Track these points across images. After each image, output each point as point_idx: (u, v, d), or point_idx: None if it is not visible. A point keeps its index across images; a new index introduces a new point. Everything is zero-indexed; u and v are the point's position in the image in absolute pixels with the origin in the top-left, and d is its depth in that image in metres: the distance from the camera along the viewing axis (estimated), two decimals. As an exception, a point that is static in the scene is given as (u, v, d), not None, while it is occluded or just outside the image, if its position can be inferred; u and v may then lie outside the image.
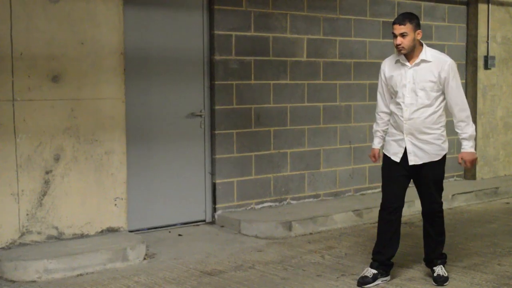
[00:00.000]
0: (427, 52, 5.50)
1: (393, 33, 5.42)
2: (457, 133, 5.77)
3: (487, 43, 10.41)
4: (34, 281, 5.66)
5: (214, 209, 7.74)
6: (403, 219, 8.17)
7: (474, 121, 10.32)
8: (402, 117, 5.49)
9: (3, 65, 6.04)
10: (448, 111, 5.69)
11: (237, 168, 7.83)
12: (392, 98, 5.65)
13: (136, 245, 6.30)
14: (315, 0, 8.53)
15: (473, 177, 10.44)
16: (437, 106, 5.57)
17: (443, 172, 5.81)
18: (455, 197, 9.14)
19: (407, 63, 5.48)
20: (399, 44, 5.37)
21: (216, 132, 7.69)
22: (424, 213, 5.84)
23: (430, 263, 5.81)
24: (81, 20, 6.44)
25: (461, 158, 5.73)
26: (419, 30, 5.46)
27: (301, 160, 8.49)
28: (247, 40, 7.90)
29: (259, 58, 7.97)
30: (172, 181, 7.45)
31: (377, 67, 9.19)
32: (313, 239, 7.16)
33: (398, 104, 5.52)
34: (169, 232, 7.33)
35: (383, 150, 5.76)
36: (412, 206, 8.55)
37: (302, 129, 8.44)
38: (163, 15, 7.33)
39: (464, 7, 10.37)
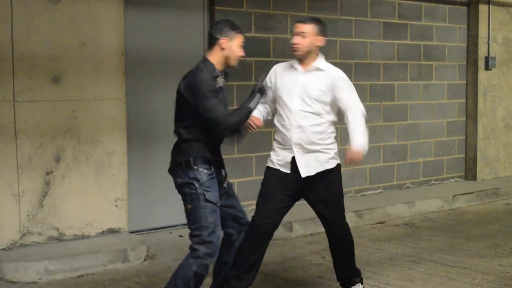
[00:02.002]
0: (321, 62, 4.96)
1: (293, 31, 4.93)
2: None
3: (488, 43, 10.40)
4: (35, 282, 5.66)
5: (215, 210, 7.73)
6: (403, 220, 8.22)
7: (475, 121, 10.35)
8: (290, 125, 4.88)
9: (4, 66, 6.04)
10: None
11: (238, 169, 7.82)
12: (274, 103, 5.08)
13: (136, 246, 6.30)
14: (316, 1, 8.53)
15: (474, 177, 10.44)
16: (326, 117, 4.95)
17: (341, 187, 5.22)
18: (456, 198, 9.13)
19: (300, 68, 4.95)
20: (295, 44, 4.85)
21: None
22: (327, 234, 5.30)
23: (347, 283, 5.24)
24: (82, 21, 6.44)
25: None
26: (321, 37, 4.92)
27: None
28: (247, 41, 7.76)
29: (260, 59, 7.96)
30: (173, 182, 7.42)
31: (378, 68, 9.24)
32: (314, 240, 7.16)
33: (284, 110, 4.93)
34: (170, 233, 7.33)
35: (267, 162, 5.11)
36: (413, 207, 8.57)
37: (303, 130, 8.42)
38: (164, 16, 7.33)
39: (464, 8, 10.37)
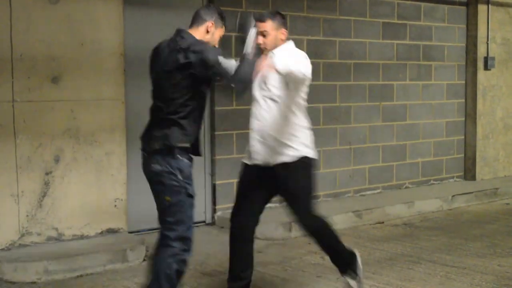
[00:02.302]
0: (281, 47, 4.86)
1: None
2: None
3: (487, 44, 10.41)
4: (34, 282, 5.66)
5: (214, 210, 7.74)
6: (402, 220, 8.22)
7: (474, 121, 10.36)
8: (253, 112, 4.87)
9: (3, 66, 6.04)
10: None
11: (237, 169, 7.78)
12: None
13: (136, 246, 6.30)
14: (315, 1, 8.53)
15: (473, 177, 10.45)
16: (287, 103, 4.78)
17: (306, 182, 4.91)
18: (455, 198, 9.13)
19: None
20: (260, 44, 4.78)
21: (216, 133, 7.69)
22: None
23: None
24: (81, 21, 6.44)
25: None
26: (283, 29, 4.89)
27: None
28: (247, 41, 7.88)
29: (259, 59, 7.95)
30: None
31: (377, 68, 9.24)
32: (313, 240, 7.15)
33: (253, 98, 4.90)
34: (169, 233, 7.32)
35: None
36: (412, 207, 8.57)
37: (302, 130, 8.41)
38: (163, 16, 7.33)
39: (464, 8, 10.37)
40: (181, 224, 4.24)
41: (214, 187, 7.72)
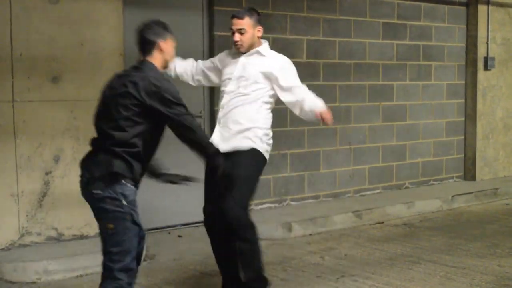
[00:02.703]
0: (265, 48, 5.01)
1: (231, 28, 4.90)
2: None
3: (487, 44, 10.41)
4: (34, 282, 5.66)
5: (214, 210, 7.73)
6: (402, 220, 8.22)
7: (474, 122, 10.36)
8: (220, 105, 4.96)
9: (3, 66, 6.04)
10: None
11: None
12: (210, 75, 5.23)
13: (135, 246, 6.29)
14: (315, 1, 8.53)
15: (473, 178, 10.45)
16: (260, 101, 4.89)
17: (252, 174, 4.83)
18: (455, 198, 9.13)
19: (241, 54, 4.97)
20: (237, 41, 4.85)
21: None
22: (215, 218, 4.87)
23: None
24: (81, 21, 6.44)
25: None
26: (259, 27, 4.93)
27: (300, 161, 8.48)
28: (247, 41, 7.88)
29: (259, 59, 7.95)
30: (170, 183, 7.42)
31: (377, 68, 9.24)
32: (312, 240, 7.16)
33: (221, 92, 5.02)
34: (169, 233, 7.33)
35: None
36: (412, 207, 8.56)
37: (302, 130, 8.43)
38: (163, 16, 7.27)
39: (464, 8, 10.37)
40: (127, 255, 3.89)
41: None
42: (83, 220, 6.52)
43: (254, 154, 4.83)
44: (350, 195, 9.02)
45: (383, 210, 8.27)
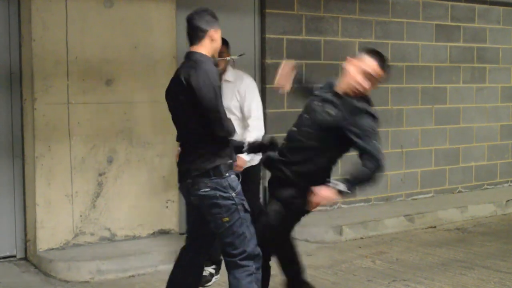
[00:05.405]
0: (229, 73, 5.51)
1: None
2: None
3: (543, 46, 10.21)
4: (87, 282, 5.75)
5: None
6: (455, 225, 8.11)
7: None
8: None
9: (59, 68, 6.15)
10: None
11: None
12: None
13: (187, 248, 6.34)
14: (367, 3, 8.48)
15: (528, 182, 10.26)
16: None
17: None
18: (510, 203, 8.97)
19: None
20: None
21: (268, 135, 7.69)
22: None
23: None
24: (135, 24, 6.52)
25: None
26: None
27: (350, 164, 8.42)
28: (298, 43, 7.90)
29: (311, 62, 7.94)
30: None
31: (430, 71, 9.14)
32: (363, 244, 7.12)
33: None
34: (220, 235, 7.36)
35: None
36: (465, 212, 8.45)
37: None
38: (215, 19, 7.36)
39: (519, 10, 10.20)
40: (249, 243, 4.03)
41: (265, 190, 7.72)
42: (135, 221, 6.60)
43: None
44: (402, 199, 8.93)
45: (436, 215, 8.17)
